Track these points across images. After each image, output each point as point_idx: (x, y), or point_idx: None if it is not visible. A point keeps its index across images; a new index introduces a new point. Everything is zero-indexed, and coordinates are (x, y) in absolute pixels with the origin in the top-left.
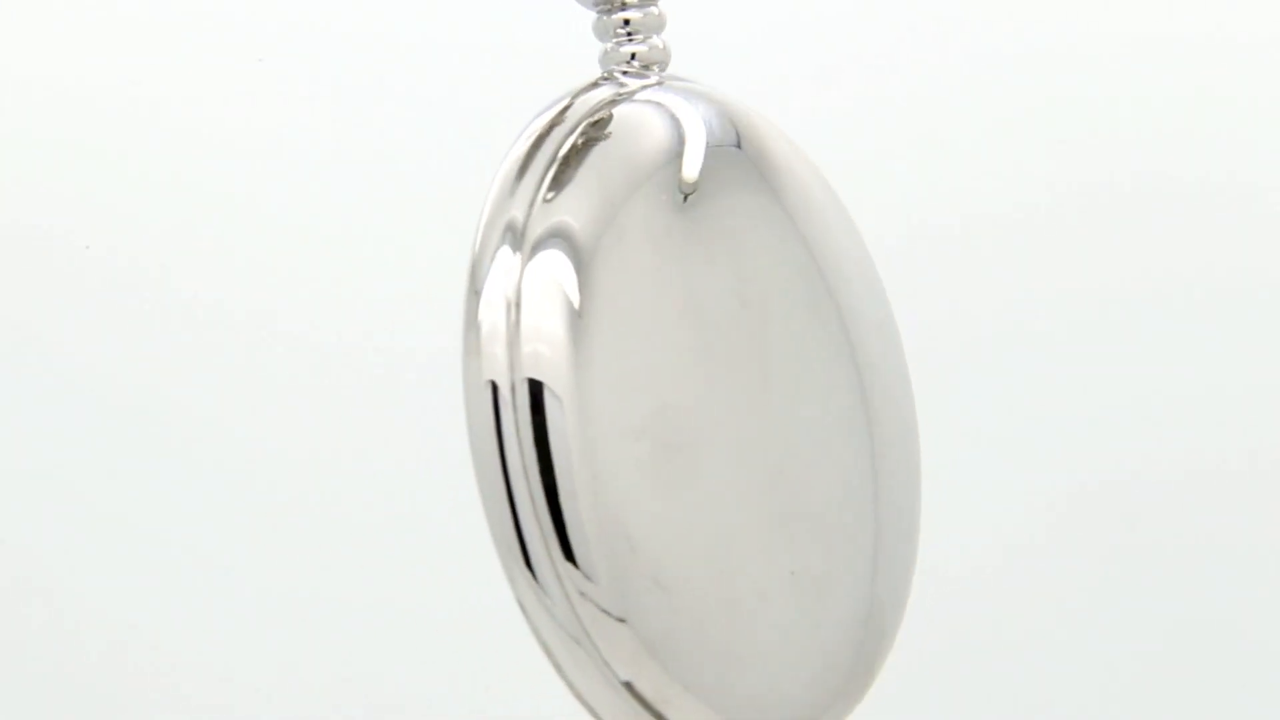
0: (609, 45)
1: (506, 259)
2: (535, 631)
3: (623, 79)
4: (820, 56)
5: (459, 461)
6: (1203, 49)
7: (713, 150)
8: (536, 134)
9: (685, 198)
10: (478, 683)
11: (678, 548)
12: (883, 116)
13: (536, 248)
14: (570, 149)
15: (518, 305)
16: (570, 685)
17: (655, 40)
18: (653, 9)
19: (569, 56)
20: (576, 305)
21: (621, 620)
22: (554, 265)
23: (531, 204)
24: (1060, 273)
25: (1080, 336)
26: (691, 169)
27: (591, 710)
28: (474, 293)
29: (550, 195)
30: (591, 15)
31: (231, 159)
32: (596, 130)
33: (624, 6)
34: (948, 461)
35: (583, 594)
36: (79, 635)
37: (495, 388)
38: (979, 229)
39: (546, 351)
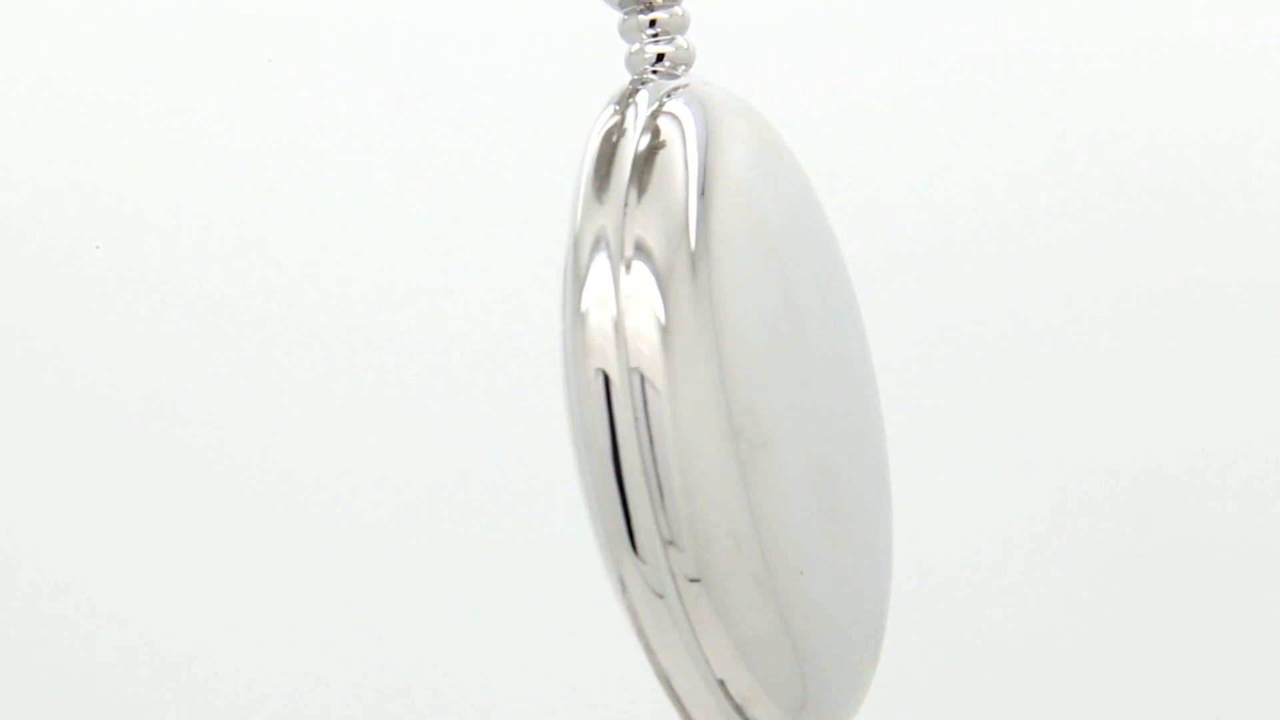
0: (635, 46)
1: (602, 265)
2: (636, 622)
3: (659, 82)
4: (820, 58)
5: (462, 461)
6: (1202, 51)
7: (753, 155)
8: (606, 144)
9: (741, 203)
10: (484, 681)
11: (770, 546)
12: (883, 119)
13: (632, 255)
14: (642, 157)
15: (620, 310)
16: (665, 677)
17: (681, 40)
18: (677, 9)
19: (585, 56)
20: (674, 309)
21: (722, 617)
22: (649, 273)
23: (620, 213)
24: (1058, 274)
25: (1078, 337)
26: (745, 173)
27: (682, 704)
28: (575, 296)
29: (635, 203)
30: (618, 16)
31: (242, 159)
32: (656, 139)
33: (651, 7)
34: (947, 462)
35: (691, 582)
36: (98, 629)
37: (607, 379)
38: (979, 230)
39: (647, 350)
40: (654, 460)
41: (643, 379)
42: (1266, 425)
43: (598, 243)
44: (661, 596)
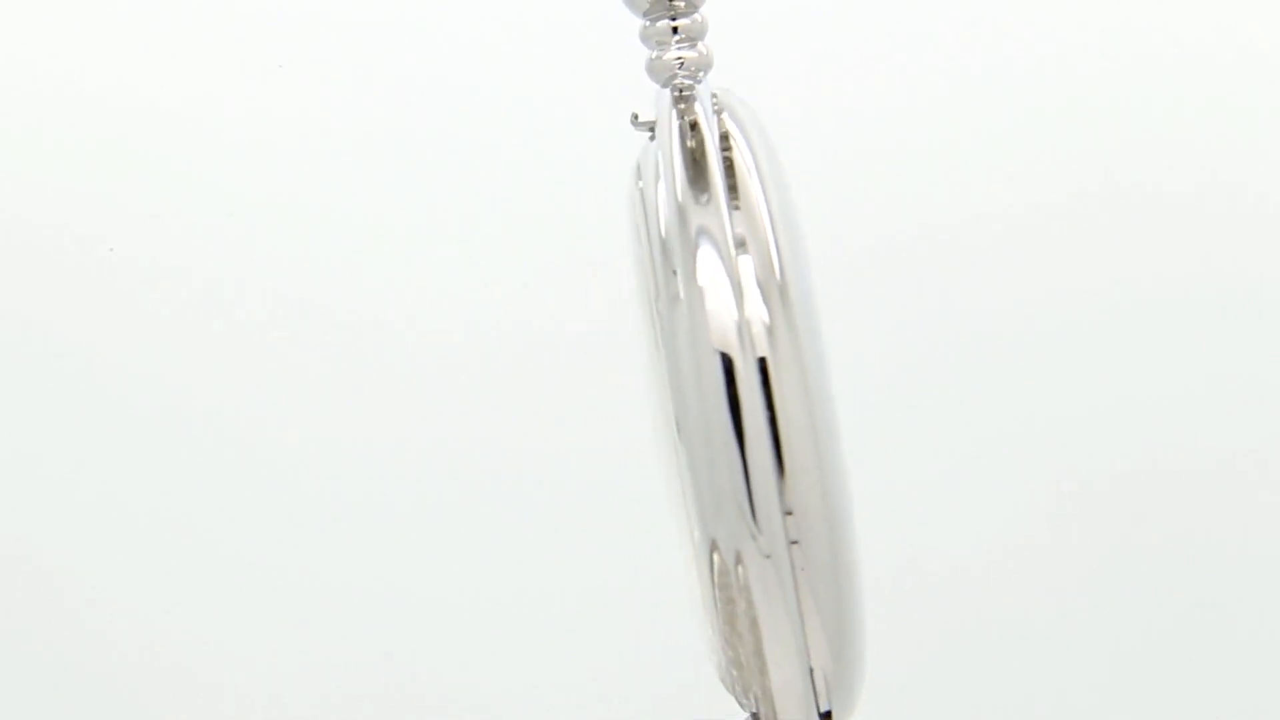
0: (656, 51)
1: (711, 257)
2: (752, 596)
3: (702, 88)
4: (819, 62)
5: (467, 460)
6: (1195, 62)
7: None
8: (686, 145)
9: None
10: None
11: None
12: (883, 122)
13: (737, 251)
14: (727, 161)
15: (739, 299)
16: (766, 659)
17: (701, 46)
18: (698, 15)
19: (595, 60)
20: (784, 302)
21: (831, 604)
22: (760, 268)
23: (721, 211)
24: (1057, 275)
25: (1078, 338)
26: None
27: (768, 689)
28: (675, 284)
29: (732, 202)
30: (640, 22)
31: (254, 162)
32: (727, 143)
33: (673, 15)
34: (946, 463)
35: (804, 570)
36: (99, 628)
37: (728, 360)
38: (979, 233)
39: (767, 337)
40: (776, 436)
41: (763, 362)
42: (1267, 425)
43: (699, 236)
44: (769, 557)
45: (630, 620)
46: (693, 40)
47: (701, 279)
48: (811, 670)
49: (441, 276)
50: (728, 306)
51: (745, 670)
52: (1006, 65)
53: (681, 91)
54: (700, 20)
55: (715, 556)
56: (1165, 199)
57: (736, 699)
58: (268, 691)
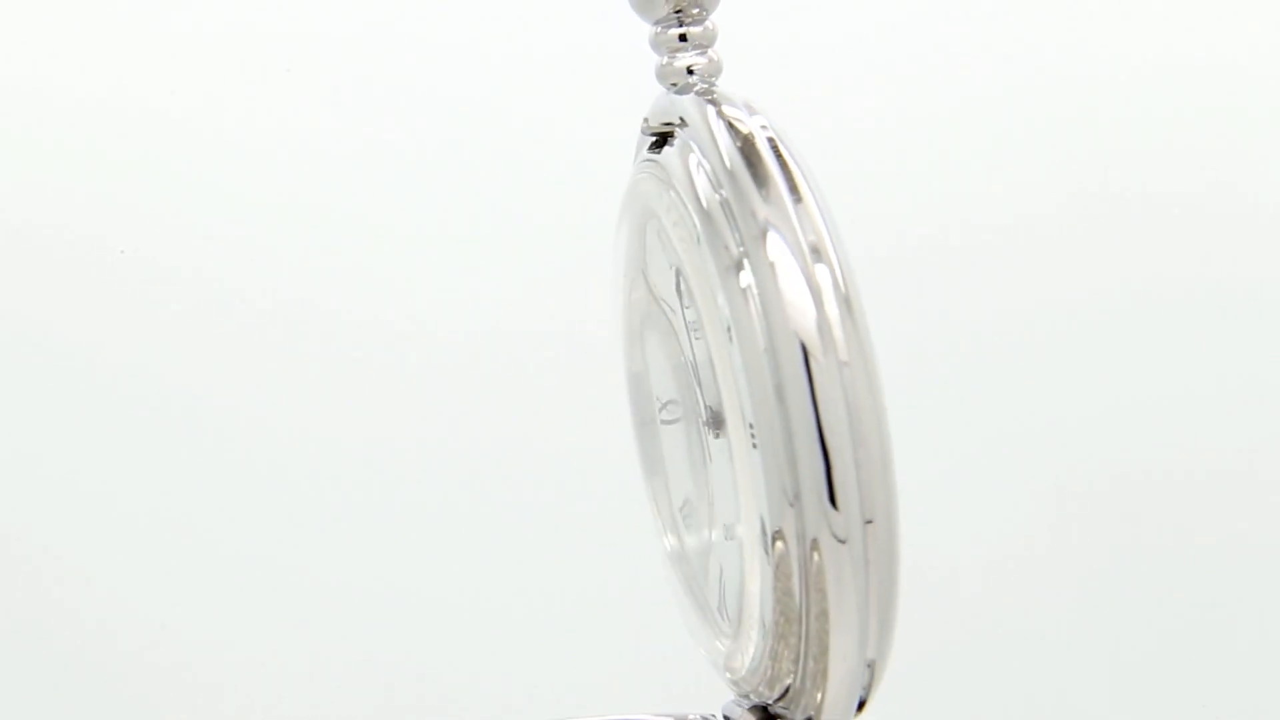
0: (666, 58)
1: (781, 251)
2: (825, 585)
3: (723, 92)
4: (818, 66)
5: (467, 460)
6: (1192, 74)
7: None
8: (739, 145)
9: None
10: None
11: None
12: (883, 126)
13: (809, 250)
14: (783, 162)
15: (816, 295)
16: (831, 649)
17: (711, 53)
18: (708, 23)
19: (594, 61)
20: (855, 289)
21: (886, 596)
22: (831, 265)
23: (788, 209)
24: (1056, 276)
25: (1076, 340)
26: None
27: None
28: (742, 275)
29: (796, 202)
30: (650, 29)
31: (263, 165)
32: (777, 143)
33: (681, 23)
34: (946, 463)
35: (868, 562)
36: (105, 626)
37: (806, 351)
38: (979, 234)
39: (839, 326)
40: (852, 428)
41: (839, 355)
42: (1267, 426)
43: (765, 232)
44: (847, 545)
45: (630, 620)
46: (703, 47)
47: (781, 277)
48: (872, 662)
49: (442, 277)
50: (806, 302)
51: (780, 662)
52: (1006, 68)
53: (710, 94)
54: (711, 28)
55: (779, 545)
56: (1165, 200)
57: (747, 691)
58: (268, 691)
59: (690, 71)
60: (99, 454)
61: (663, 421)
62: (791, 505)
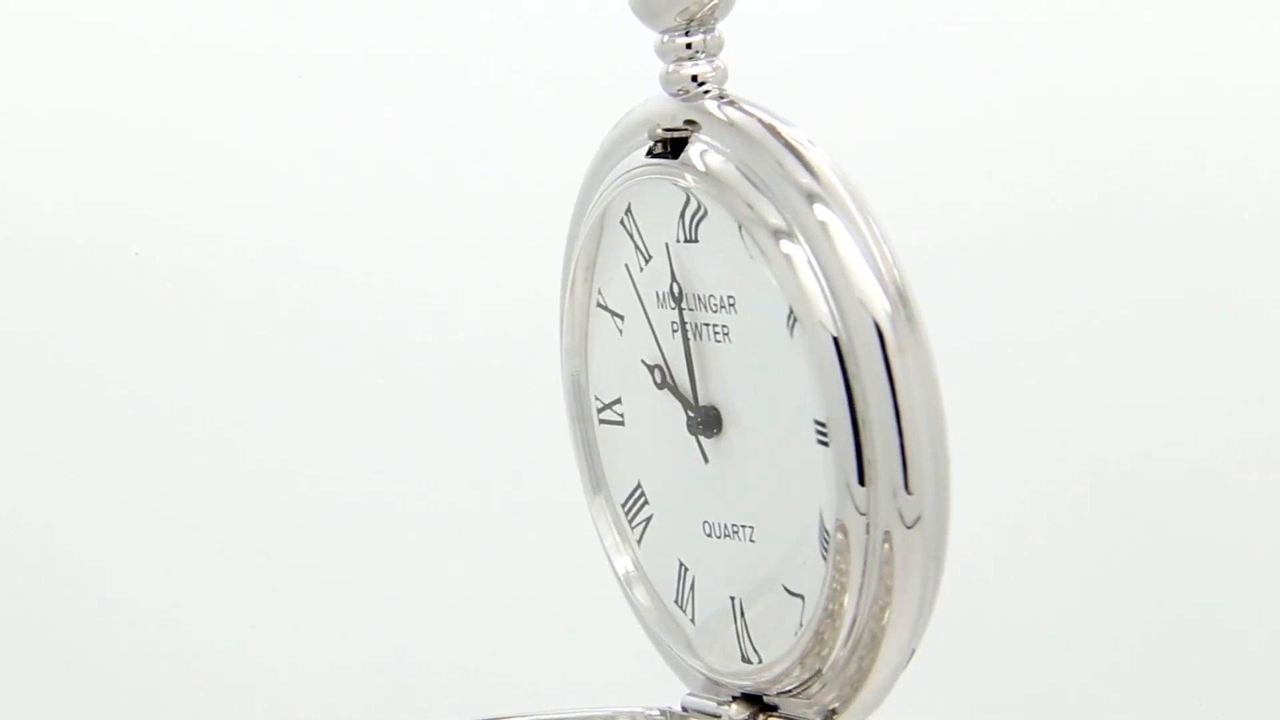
0: (671, 65)
1: (851, 247)
2: (893, 572)
3: (733, 96)
4: (816, 69)
5: (467, 460)
6: (1192, 77)
7: None
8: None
9: None
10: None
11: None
12: (884, 128)
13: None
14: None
15: (886, 283)
16: (886, 640)
17: (718, 61)
18: (714, 31)
19: (595, 63)
20: (894, 280)
21: (933, 589)
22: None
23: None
24: (1057, 278)
25: (1076, 340)
26: None
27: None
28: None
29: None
30: (656, 36)
31: (274, 170)
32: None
33: (689, 31)
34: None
35: (917, 522)
36: (105, 626)
37: (837, 342)
38: (978, 235)
39: (869, 314)
40: (899, 420)
41: (896, 347)
42: (1268, 427)
43: (828, 227)
44: (915, 531)
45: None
46: (710, 54)
47: (850, 268)
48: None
49: (443, 277)
50: (877, 293)
51: (810, 658)
52: (1006, 71)
53: (723, 96)
54: (718, 35)
55: (839, 538)
56: (1164, 201)
57: (759, 688)
58: (268, 692)
59: (696, 79)
60: (100, 454)
61: (602, 421)
62: (860, 494)
